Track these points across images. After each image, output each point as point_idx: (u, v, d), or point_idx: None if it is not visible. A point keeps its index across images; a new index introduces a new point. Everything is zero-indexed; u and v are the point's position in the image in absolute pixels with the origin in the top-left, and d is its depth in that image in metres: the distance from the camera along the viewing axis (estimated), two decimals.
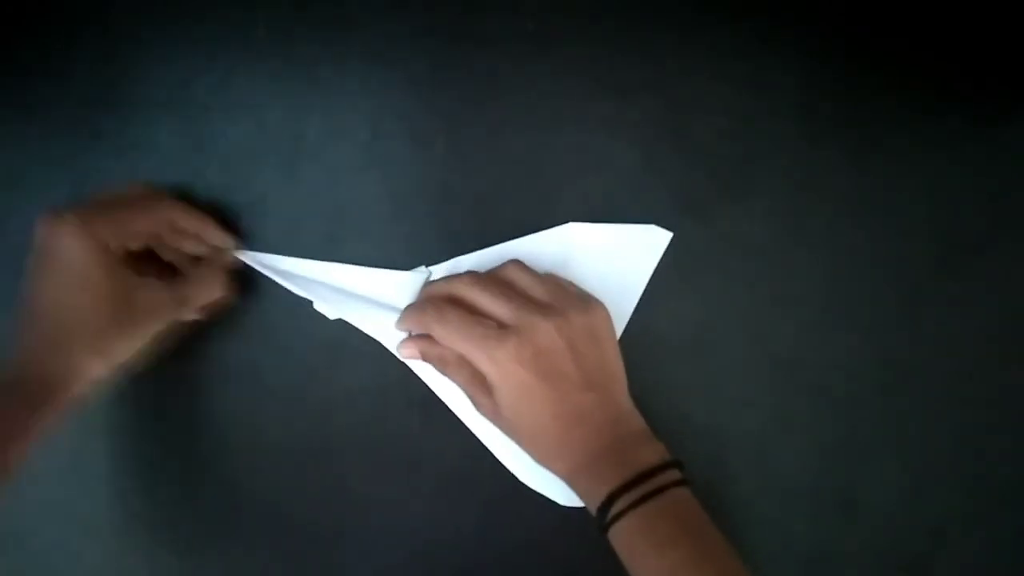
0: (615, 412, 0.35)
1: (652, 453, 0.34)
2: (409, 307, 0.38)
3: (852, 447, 0.40)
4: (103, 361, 0.36)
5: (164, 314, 0.38)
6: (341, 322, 0.40)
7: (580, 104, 0.40)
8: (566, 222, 0.40)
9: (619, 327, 0.39)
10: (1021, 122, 0.39)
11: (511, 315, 0.34)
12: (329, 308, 0.40)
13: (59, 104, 0.42)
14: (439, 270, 0.40)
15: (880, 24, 0.39)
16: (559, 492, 0.40)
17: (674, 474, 0.33)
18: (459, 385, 0.37)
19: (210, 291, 0.39)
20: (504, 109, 0.40)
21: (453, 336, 0.35)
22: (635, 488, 0.32)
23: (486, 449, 0.40)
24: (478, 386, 0.36)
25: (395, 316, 0.39)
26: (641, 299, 0.40)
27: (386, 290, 0.40)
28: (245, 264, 0.40)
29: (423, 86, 0.41)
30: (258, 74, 0.41)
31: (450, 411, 0.40)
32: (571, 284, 0.38)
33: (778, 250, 0.40)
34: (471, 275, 0.37)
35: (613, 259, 0.40)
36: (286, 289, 0.39)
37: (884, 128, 0.39)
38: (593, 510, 0.34)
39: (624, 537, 0.32)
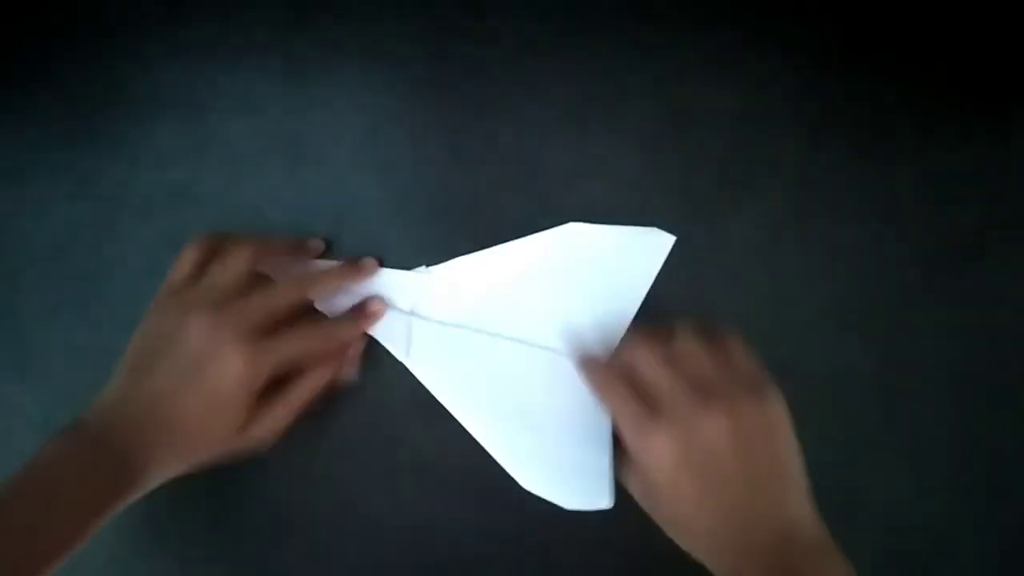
0: (786, 520, 0.30)
1: (831, 571, 0.29)
2: (593, 366, 0.36)
3: (852, 447, 0.40)
4: (188, 465, 0.35)
5: (273, 432, 0.36)
6: None
7: (580, 104, 0.40)
8: (566, 222, 0.40)
9: (621, 331, 0.39)
10: (1021, 122, 0.39)
11: (670, 397, 0.31)
12: (328, 307, 0.40)
13: (59, 104, 0.42)
14: (439, 270, 0.40)
15: (880, 24, 0.39)
16: (563, 495, 0.39)
17: None
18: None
19: (322, 389, 0.37)
20: (504, 109, 0.40)
21: (610, 407, 0.33)
22: None
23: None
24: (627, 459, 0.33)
25: (395, 314, 0.39)
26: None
27: (386, 290, 0.40)
28: None
29: (423, 86, 0.41)
30: (258, 74, 0.41)
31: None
32: (746, 358, 0.33)
33: (778, 250, 0.40)
34: (640, 338, 0.34)
35: (615, 261, 0.39)
36: None
37: (884, 128, 0.39)
38: None
39: None
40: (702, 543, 0.31)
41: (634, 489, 0.35)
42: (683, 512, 0.31)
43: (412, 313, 0.40)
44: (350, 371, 0.39)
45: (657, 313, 0.40)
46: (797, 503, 0.31)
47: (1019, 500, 0.39)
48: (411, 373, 0.40)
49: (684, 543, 0.32)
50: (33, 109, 0.43)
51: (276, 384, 0.36)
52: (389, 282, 0.40)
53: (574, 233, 0.40)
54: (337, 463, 0.42)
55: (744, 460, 0.30)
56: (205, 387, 0.33)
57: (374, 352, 0.40)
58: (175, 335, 0.34)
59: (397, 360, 0.40)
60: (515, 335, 0.39)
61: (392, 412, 0.41)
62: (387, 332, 0.39)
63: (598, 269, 0.39)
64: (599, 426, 0.38)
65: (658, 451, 0.30)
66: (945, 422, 0.39)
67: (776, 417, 0.31)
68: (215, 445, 0.35)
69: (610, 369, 0.34)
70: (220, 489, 0.42)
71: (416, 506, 0.42)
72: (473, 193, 0.41)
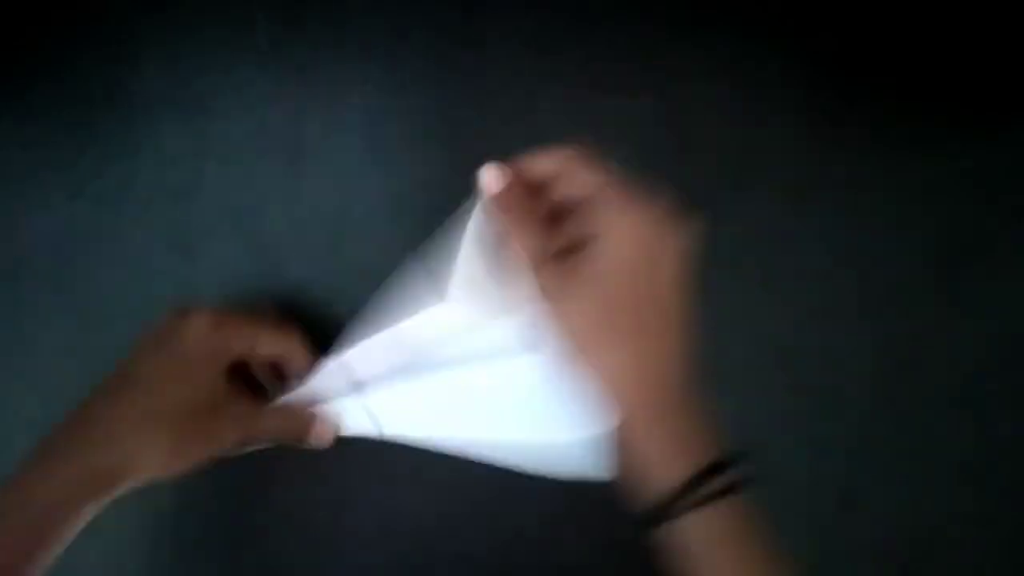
0: (685, 372, 0.31)
1: (722, 440, 0.30)
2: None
3: (852, 446, 0.40)
4: (167, 461, 0.34)
5: (241, 437, 0.36)
6: (340, 326, 0.40)
7: (580, 104, 0.40)
8: None
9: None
10: (1021, 123, 0.39)
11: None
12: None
13: (59, 104, 0.42)
14: (350, 354, 0.38)
15: (880, 25, 0.39)
16: (558, 470, 0.36)
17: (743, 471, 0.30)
18: None
19: (296, 434, 0.37)
20: (504, 109, 0.40)
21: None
22: (720, 476, 0.29)
23: None
24: None
25: (344, 402, 0.38)
26: None
27: (321, 387, 0.38)
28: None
29: (423, 86, 0.41)
30: (258, 74, 0.41)
31: None
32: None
33: (778, 249, 0.40)
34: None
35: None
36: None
37: (884, 128, 0.39)
38: (660, 481, 0.30)
39: (705, 531, 0.29)
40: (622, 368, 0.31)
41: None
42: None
43: (357, 390, 0.38)
44: (322, 437, 0.39)
45: None
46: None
47: (1019, 499, 0.39)
48: None
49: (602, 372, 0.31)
50: (33, 109, 0.43)
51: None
52: (320, 383, 0.38)
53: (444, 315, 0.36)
54: (337, 464, 0.42)
55: (649, 305, 0.30)
56: (170, 350, 0.34)
57: None
58: (156, 328, 0.35)
59: None
60: (463, 362, 0.38)
61: None
62: (351, 423, 0.38)
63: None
64: (582, 406, 0.35)
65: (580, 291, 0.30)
66: (945, 422, 0.39)
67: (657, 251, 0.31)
68: (191, 425, 0.34)
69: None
70: (219, 490, 0.42)
71: (416, 505, 0.42)
72: (473, 193, 0.41)
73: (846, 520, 0.40)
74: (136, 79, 0.42)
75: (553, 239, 0.31)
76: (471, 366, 0.38)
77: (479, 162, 0.41)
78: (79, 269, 0.43)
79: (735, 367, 0.40)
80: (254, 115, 0.41)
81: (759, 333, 0.40)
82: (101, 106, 0.42)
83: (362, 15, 0.41)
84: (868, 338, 0.40)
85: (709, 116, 0.40)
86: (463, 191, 0.41)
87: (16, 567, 0.31)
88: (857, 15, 0.39)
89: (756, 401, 0.40)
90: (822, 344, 0.40)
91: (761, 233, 0.40)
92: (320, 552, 0.42)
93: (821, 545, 0.40)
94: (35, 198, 0.43)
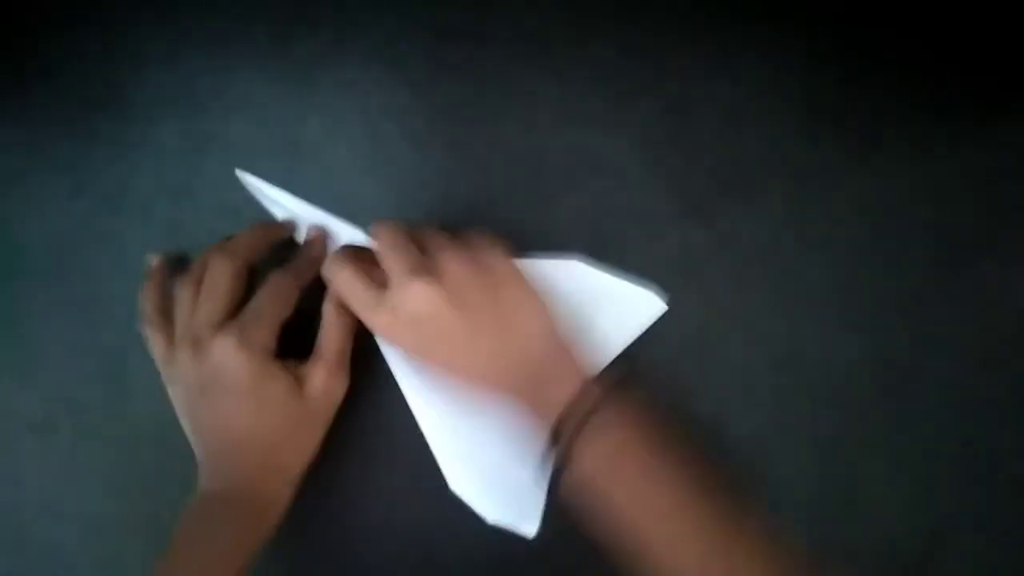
0: (529, 342, 0.34)
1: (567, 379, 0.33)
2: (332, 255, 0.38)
3: (852, 447, 0.40)
4: (294, 472, 0.37)
5: (329, 394, 0.38)
6: None
7: (580, 104, 0.40)
8: (567, 223, 0.40)
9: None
10: (1021, 122, 0.39)
11: (391, 278, 0.34)
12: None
13: (59, 104, 0.42)
14: None
15: (880, 24, 0.39)
16: (488, 507, 0.39)
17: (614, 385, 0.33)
18: None
19: (341, 334, 0.38)
20: (504, 110, 0.40)
21: (344, 297, 0.36)
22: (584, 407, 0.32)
23: None
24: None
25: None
26: None
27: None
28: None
29: (423, 86, 0.41)
30: (258, 74, 0.42)
31: None
32: (478, 245, 0.35)
33: (778, 250, 0.40)
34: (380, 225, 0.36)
35: (604, 311, 0.39)
36: None
37: (884, 128, 0.39)
38: (547, 454, 0.33)
39: (591, 471, 0.31)
40: (467, 387, 0.35)
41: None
42: (445, 368, 0.35)
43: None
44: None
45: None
46: (540, 332, 0.34)
47: (1019, 499, 0.39)
48: None
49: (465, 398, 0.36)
50: (33, 109, 0.43)
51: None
52: (357, 236, 0.40)
53: (575, 270, 0.39)
54: (336, 463, 0.42)
55: (464, 312, 0.33)
56: (232, 390, 0.35)
57: (375, 352, 0.41)
58: (205, 373, 0.36)
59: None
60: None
61: (392, 412, 0.41)
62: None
63: (586, 311, 0.39)
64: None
65: (386, 329, 0.34)
66: (945, 422, 0.39)
67: (494, 275, 0.34)
68: (295, 439, 0.37)
69: (343, 270, 0.36)
70: None
71: (416, 505, 0.42)
72: (473, 193, 0.41)
73: (846, 520, 0.40)
74: (136, 79, 0.42)
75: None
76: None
77: (479, 162, 0.41)
78: (79, 269, 0.43)
79: (735, 367, 0.40)
80: (254, 115, 0.41)
81: (759, 333, 0.40)
82: (101, 106, 0.42)
83: (362, 15, 0.41)
84: (868, 338, 0.40)
85: (709, 116, 0.40)
86: (463, 191, 0.41)
87: None
88: (857, 15, 0.39)
89: (756, 401, 0.40)
90: (822, 344, 0.40)
91: (761, 233, 0.40)
92: (320, 552, 0.42)
93: (821, 545, 0.40)
94: (35, 198, 0.43)
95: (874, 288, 0.39)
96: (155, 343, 0.38)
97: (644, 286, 0.39)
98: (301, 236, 0.41)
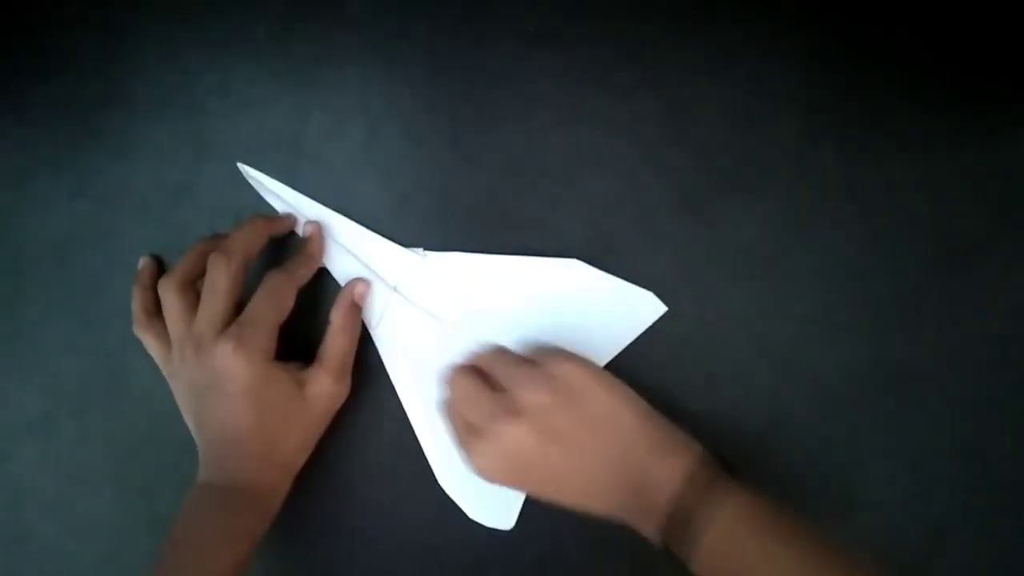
0: (624, 445, 0.33)
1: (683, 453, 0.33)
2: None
3: (852, 447, 0.40)
4: (293, 467, 0.39)
5: (330, 399, 0.39)
6: None
7: (580, 103, 0.40)
8: (567, 223, 0.40)
9: None
10: (1021, 122, 0.39)
11: (481, 422, 0.34)
12: (341, 274, 0.41)
13: (59, 104, 0.42)
14: (434, 256, 0.40)
15: (880, 24, 0.39)
16: (470, 505, 0.41)
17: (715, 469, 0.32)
18: None
19: (346, 342, 0.39)
20: (504, 109, 0.40)
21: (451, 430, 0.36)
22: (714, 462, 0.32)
23: None
24: None
25: (378, 286, 0.40)
26: None
27: (379, 260, 0.41)
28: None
29: (423, 86, 0.41)
30: (258, 74, 0.41)
31: None
32: (553, 364, 0.34)
33: (778, 250, 0.40)
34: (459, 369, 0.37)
35: (602, 312, 0.39)
36: None
37: (884, 128, 0.39)
38: (659, 536, 0.32)
39: (730, 531, 0.30)
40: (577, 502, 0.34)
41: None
42: (542, 494, 0.35)
43: (395, 289, 0.40)
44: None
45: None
46: (636, 456, 0.33)
47: (1019, 500, 0.39)
48: None
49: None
50: (33, 109, 0.43)
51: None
52: (383, 252, 0.40)
53: (575, 270, 0.39)
54: (335, 464, 0.42)
55: (556, 441, 0.33)
56: (236, 392, 0.36)
57: (374, 352, 0.41)
58: (208, 376, 0.36)
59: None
60: (482, 343, 0.39)
61: (392, 413, 0.41)
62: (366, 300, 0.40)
63: (584, 313, 0.39)
64: None
65: (484, 466, 0.34)
66: (945, 422, 0.39)
67: (576, 380, 0.33)
68: (295, 432, 0.38)
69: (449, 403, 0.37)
70: None
71: (416, 505, 0.42)
72: (473, 193, 0.41)
73: (846, 520, 0.40)
74: (136, 79, 0.42)
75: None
76: None
77: (479, 162, 0.41)
78: (79, 269, 0.43)
79: (735, 367, 0.40)
80: (254, 115, 0.41)
81: (759, 333, 0.40)
82: (101, 106, 0.42)
83: (362, 15, 0.41)
84: (868, 338, 0.40)
85: (709, 116, 0.40)
86: (463, 191, 0.41)
87: None
88: (857, 15, 0.39)
89: (756, 401, 0.40)
90: (822, 344, 0.40)
91: (761, 233, 0.40)
92: (320, 552, 0.42)
93: None
94: (35, 198, 0.43)
95: (874, 288, 0.39)
96: (150, 345, 0.39)
97: (644, 287, 0.39)
98: (300, 230, 0.41)
